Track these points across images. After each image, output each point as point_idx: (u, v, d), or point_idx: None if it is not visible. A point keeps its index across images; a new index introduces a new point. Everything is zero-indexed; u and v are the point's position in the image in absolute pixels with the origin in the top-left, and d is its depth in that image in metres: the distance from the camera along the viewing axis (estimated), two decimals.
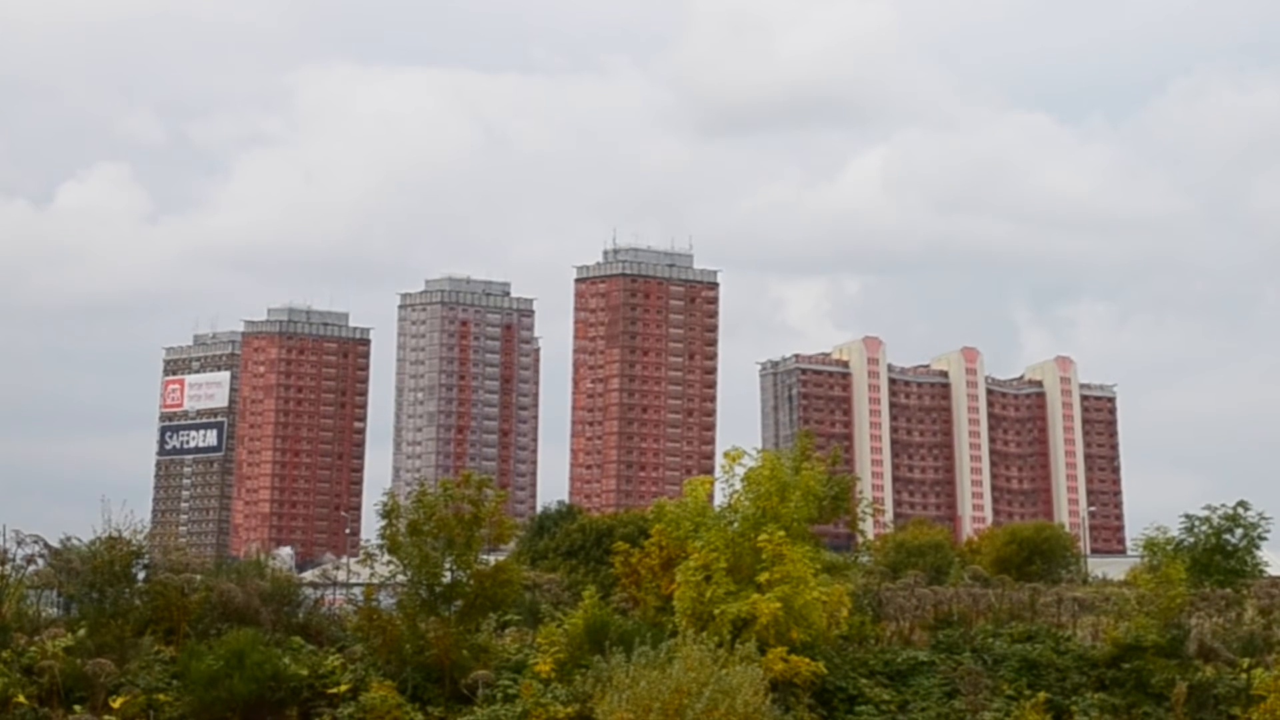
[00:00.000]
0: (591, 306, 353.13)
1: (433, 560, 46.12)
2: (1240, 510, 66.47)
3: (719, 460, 50.47)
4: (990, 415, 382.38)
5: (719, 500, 49.93)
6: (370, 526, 48.43)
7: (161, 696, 42.70)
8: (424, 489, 48.23)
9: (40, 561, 50.35)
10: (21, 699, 41.93)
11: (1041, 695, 44.81)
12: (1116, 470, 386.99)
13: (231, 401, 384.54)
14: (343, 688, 43.65)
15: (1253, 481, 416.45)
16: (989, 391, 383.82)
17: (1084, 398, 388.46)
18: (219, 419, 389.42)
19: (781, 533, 45.32)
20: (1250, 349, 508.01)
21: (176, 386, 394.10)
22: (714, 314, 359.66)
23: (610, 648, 40.67)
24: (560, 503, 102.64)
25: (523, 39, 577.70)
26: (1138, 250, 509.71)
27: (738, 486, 48.53)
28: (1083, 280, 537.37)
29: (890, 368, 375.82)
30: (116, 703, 42.02)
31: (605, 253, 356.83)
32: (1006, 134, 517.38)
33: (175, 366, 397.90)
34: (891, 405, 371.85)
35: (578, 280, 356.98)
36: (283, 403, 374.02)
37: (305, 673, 44.20)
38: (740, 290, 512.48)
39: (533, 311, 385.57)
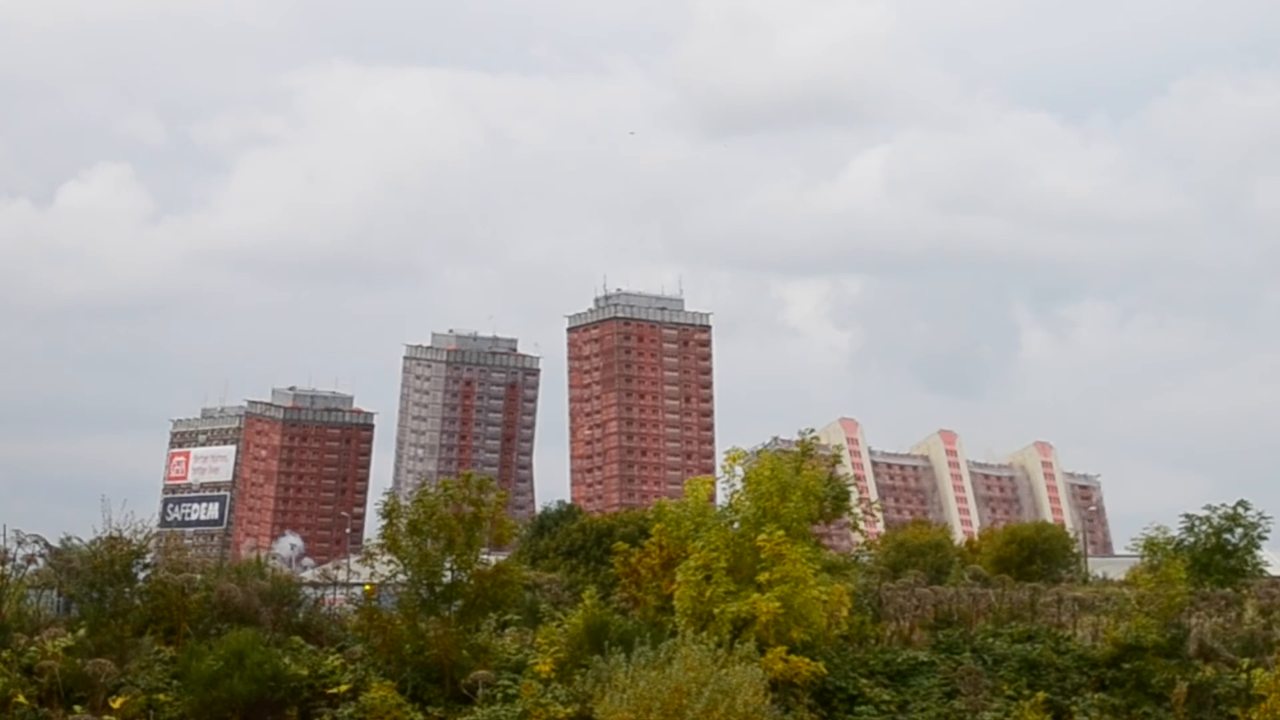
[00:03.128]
0: (585, 354, 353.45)
1: (433, 560, 46.14)
2: (1240, 510, 66.53)
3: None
4: (977, 496, 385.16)
5: (719, 500, 49.99)
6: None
7: (161, 696, 42.69)
8: (425, 489, 48.27)
9: (40, 561, 50.38)
10: (21, 699, 41.91)
11: (1041, 695, 44.80)
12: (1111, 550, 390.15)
13: (235, 476, 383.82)
14: (343, 688, 43.64)
15: (1253, 481, 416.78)
16: (972, 474, 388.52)
17: (1070, 486, 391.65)
18: (222, 493, 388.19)
19: (781, 532, 45.32)
20: (1251, 349, 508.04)
21: (182, 459, 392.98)
22: (708, 356, 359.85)
23: (610, 648, 40.67)
24: (560, 502, 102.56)
25: (524, 39, 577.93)
26: (1139, 250, 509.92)
27: (738, 486, 48.58)
28: (1084, 280, 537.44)
29: (871, 450, 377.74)
30: (116, 703, 42.00)
31: (596, 299, 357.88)
32: (1008, 134, 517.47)
33: (182, 439, 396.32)
34: (878, 485, 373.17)
35: (570, 329, 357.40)
36: (283, 489, 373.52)
37: (305, 673, 44.19)
38: (741, 290, 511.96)
39: (537, 370, 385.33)
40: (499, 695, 42.94)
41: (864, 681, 45.65)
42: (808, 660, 43.74)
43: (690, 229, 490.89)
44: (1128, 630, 48.98)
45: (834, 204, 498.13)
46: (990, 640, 48.89)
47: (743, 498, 47.88)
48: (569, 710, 41.52)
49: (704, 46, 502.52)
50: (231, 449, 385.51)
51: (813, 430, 51.71)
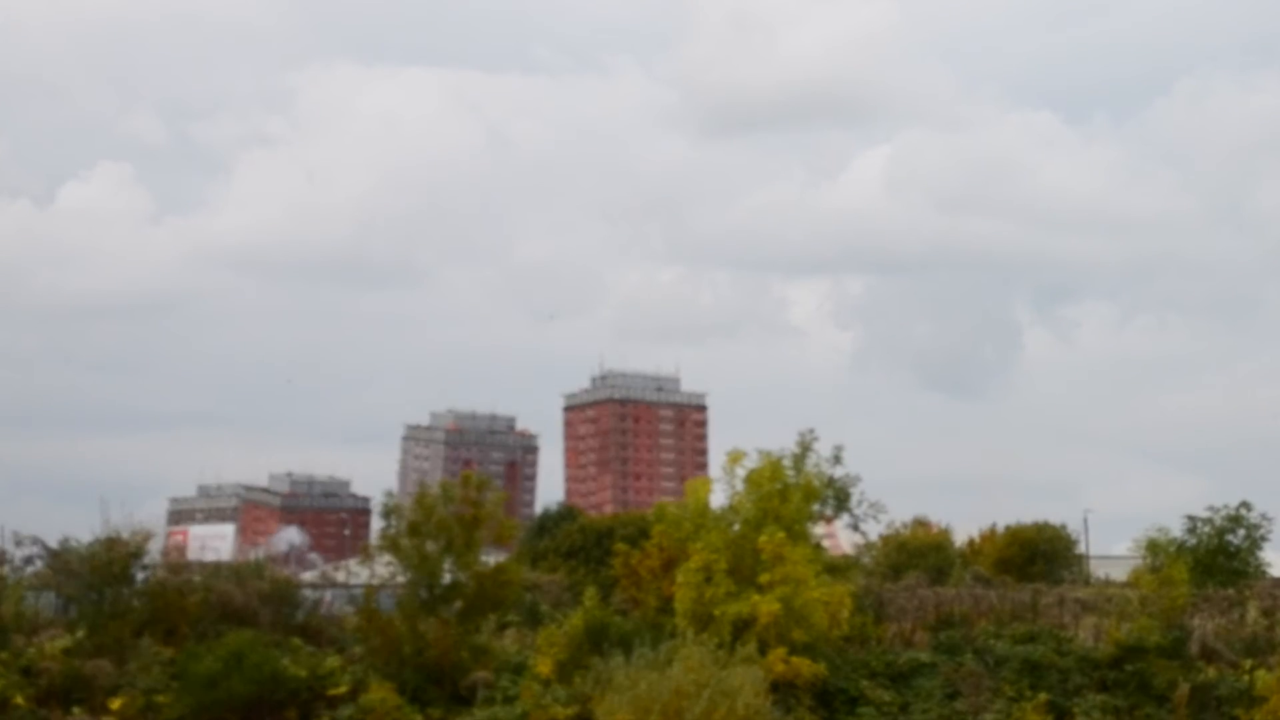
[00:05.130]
0: (581, 434, 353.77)
1: (432, 561, 46.01)
2: (1243, 511, 66.33)
3: None
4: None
5: (720, 501, 49.82)
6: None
7: (160, 698, 42.60)
8: (424, 490, 48.18)
9: (39, 563, 50.30)
10: (20, 700, 41.85)
11: (1043, 696, 44.68)
12: None
13: (235, 557, 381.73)
14: (342, 689, 43.54)
15: (1254, 482, 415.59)
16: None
17: None
18: None
19: (782, 534, 45.18)
20: (1253, 349, 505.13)
21: (180, 537, 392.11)
22: (704, 436, 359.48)
23: (610, 649, 40.53)
24: (560, 503, 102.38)
25: (525, 39, 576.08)
26: (1141, 250, 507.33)
27: (739, 488, 48.40)
28: (1086, 280, 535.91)
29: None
30: (115, 704, 41.93)
31: (592, 378, 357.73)
32: (1010, 134, 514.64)
33: (179, 516, 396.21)
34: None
35: (566, 409, 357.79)
36: None
37: (304, 674, 44.07)
38: (741, 290, 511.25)
39: (536, 448, 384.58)
40: (499, 696, 42.82)
41: (865, 683, 45.52)
42: (809, 661, 43.62)
43: (690, 229, 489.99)
44: (1130, 631, 48.84)
45: (835, 204, 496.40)
46: (992, 641, 48.75)
47: (743, 499, 47.71)
48: (569, 711, 41.38)
49: (705, 46, 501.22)
50: (230, 527, 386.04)
51: (812, 431, 51.41)
